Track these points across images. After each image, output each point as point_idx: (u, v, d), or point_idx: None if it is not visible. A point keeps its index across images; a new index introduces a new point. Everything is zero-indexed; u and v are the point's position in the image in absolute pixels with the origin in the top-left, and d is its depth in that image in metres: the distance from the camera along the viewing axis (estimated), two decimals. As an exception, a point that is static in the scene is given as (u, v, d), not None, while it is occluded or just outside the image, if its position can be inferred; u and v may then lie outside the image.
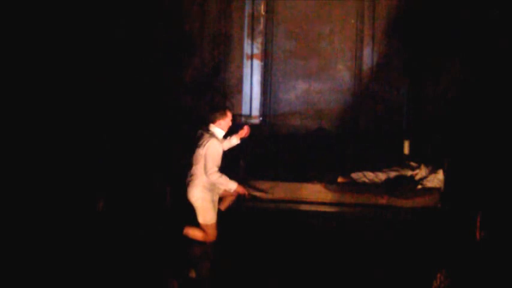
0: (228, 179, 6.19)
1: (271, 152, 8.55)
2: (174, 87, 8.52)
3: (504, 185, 7.00)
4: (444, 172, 7.49)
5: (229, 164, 7.11)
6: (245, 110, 9.28)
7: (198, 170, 6.20)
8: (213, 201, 6.28)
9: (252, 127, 6.90)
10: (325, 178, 7.71)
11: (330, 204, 7.46)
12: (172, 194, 7.42)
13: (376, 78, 9.12)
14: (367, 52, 9.17)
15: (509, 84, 7.83)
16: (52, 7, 7.38)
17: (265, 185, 7.56)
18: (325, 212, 7.39)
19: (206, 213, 6.21)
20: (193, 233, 6.29)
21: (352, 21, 9.21)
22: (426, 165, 7.65)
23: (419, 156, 7.98)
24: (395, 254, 6.07)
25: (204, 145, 6.20)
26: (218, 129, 6.35)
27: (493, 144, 7.55)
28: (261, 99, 9.35)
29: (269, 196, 7.52)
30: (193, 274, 5.81)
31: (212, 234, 6.25)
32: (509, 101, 7.75)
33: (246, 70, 9.29)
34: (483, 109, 7.97)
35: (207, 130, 6.30)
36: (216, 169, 6.15)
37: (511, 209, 6.59)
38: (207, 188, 6.22)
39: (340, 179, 7.73)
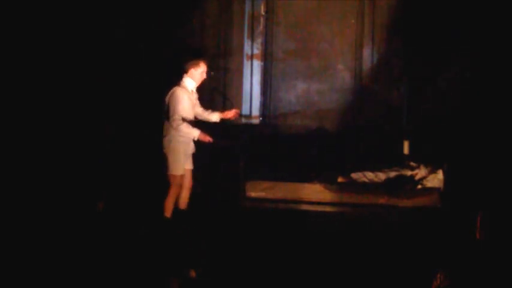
0: (189, 126, 6.21)
1: (271, 152, 8.54)
2: (174, 87, 8.50)
3: (504, 185, 6.99)
4: (444, 172, 7.49)
5: (229, 164, 7.13)
6: (245, 110, 9.27)
7: (167, 122, 6.27)
8: (184, 153, 6.32)
9: (252, 127, 6.92)
10: (325, 178, 7.71)
11: (330, 204, 7.46)
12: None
13: (376, 78, 9.11)
14: (367, 52, 9.16)
15: (509, 84, 7.82)
16: (52, 7, 7.37)
17: (265, 185, 7.55)
18: (325, 212, 7.39)
19: (174, 164, 6.30)
20: (166, 205, 6.36)
21: (352, 21, 9.20)
22: (426, 165, 7.65)
23: (419, 156, 7.97)
24: (395, 254, 6.07)
25: (168, 93, 6.26)
26: (189, 79, 6.36)
27: (493, 144, 7.54)
28: (261, 99, 9.34)
29: (269, 196, 7.52)
30: (193, 274, 5.81)
31: (176, 185, 6.31)
32: (510, 101, 7.74)
33: (246, 70, 9.28)
34: (483, 109, 7.96)
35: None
36: (178, 117, 6.17)
37: (511, 209, 6.58)
38: (178, 139, 6.26)
39: (340, 179, 7.74)
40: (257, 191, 7.53)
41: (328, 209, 7.43)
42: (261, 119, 9.33)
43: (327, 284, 5.45)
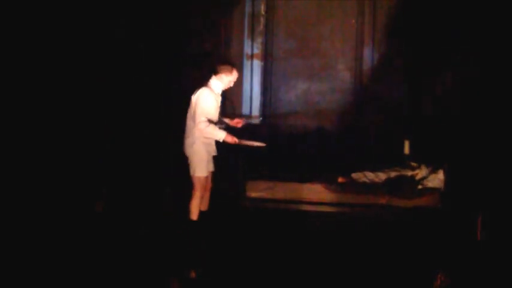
0: (216, 128, 6.16)
1: (271, 152, 8.53)
2: (174, 87, 8.52)
3: (504, 185, 6.99)
4: (444, 172, 7.49)
5: (229, 164, 7.12)
6: (245, 110, 9.27)
7: (192, 123, 6.22)
8: (207, 155, 6.28)
9: (252, 127, 6.92)
10: (325, 178, 7.71)
11: (330, 204, 7.46)
12: (172, 195, 7.43)
13: (376, 78, 9.11)
14: (367, 52, 9.16)
15: (509, 85, 7.82)
16: (52, 7, 7.37)
17: (265, 185, 7.55)
18: (325, 212, 7.39)
19: (197, 166, 6.25)
20: (192, 208, 6.32)
21: (353, 21, 9.20)
22: (426, 165, 7.65)
23: (420, 156, 7.97)
24: (396, 254, 6.07)
25: (195, 93, 6.21)
26: (218, 81, 6.30)
27: (494, 144, 7.54)
28: (261, 99, 9.34)
29: (269, 196, 7.52)
30: (193, 274, 5.81)
31: (200, 187, 6.27)
32: (510, 101, 7.74)
33: (246, 70, 9.28)
34: (483, 109, 7.96)
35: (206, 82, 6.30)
36: (205, 119, 6.11)
37: (511, 209, 6.59)
38: (202, 141, 6.22)
39: (340, 179, 7.73)
40: (257, 191, 7.53)
41: (328, 209, 7.43)
42: (261, 119, 9.33)
43: (327, 284, 5.45)
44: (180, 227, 6.51)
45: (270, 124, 9.27)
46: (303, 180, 7.68)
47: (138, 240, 6.34)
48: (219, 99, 6.40)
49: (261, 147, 6.56)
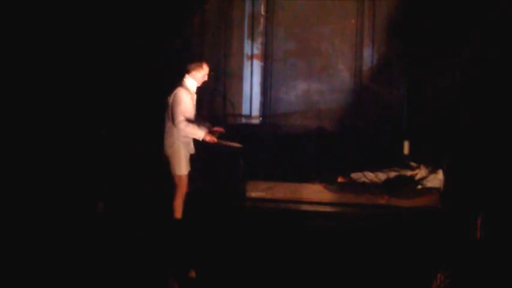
0: (196, 127, 6.21)
1: (271, 152, 8.55)
2: (174, 87, 8.53)
3: (504, 185, 6.99)
4: (444, 172, 7.49)
5: (229, 164, 7.12)
6: (245, 110, 9.27)
7: (170, 123, 6.26)
8: (186, 153, 6.32)
9: (252, 127, 6.92)
10: (325, 178, 7.72)
11: (330, 204, 7.47)
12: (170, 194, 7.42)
13: (376, 78, 9.12)
14: (367, 52, 9.17)
15: (509, 84, 7.83)
16: (53, 7, 7.38)
17: (265, 185, 7.55)
18: (325, 212, 7.39)
19: (178, 164, 6.28)
20: (176, 207, 6.34)
21: (352, 21, 9.21)
22: (426, 165, 7.66)
23: (419, 156, 7.98)
24: (395, 254, 6.07)
25: (171, 94, 6.25)
26: (191, 80, 6.37)
27: (493, 143, 7.55)
28: (261, 99, 9.35)
29: (269, 196, 7.53)
30: (193, 274, 5.82)
31: (183, 186, 6.31)
32: (509, 101, 7.75)
33: (246, 70, 9.29)
34: (483, 109, 7.97)
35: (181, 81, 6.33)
36: (183, 118, 6.17)
37: (511, 209, 6.58)
38: (181, 141, 6.26)
39: (340, 179, 7.74)
40: (257, 191, 7.54)
41: (328, 209, 7.43)
42: (261, 119, 9.33)
43: (326, 284, 5.45)
44: (180, 227, 6.52)
45: (270, 124, 9.27)
46: (303, 180, 7.69)
47: (138, 240, 6.35)
48: (195, 97, 6.44)
49: (238, 148, 6.57)
